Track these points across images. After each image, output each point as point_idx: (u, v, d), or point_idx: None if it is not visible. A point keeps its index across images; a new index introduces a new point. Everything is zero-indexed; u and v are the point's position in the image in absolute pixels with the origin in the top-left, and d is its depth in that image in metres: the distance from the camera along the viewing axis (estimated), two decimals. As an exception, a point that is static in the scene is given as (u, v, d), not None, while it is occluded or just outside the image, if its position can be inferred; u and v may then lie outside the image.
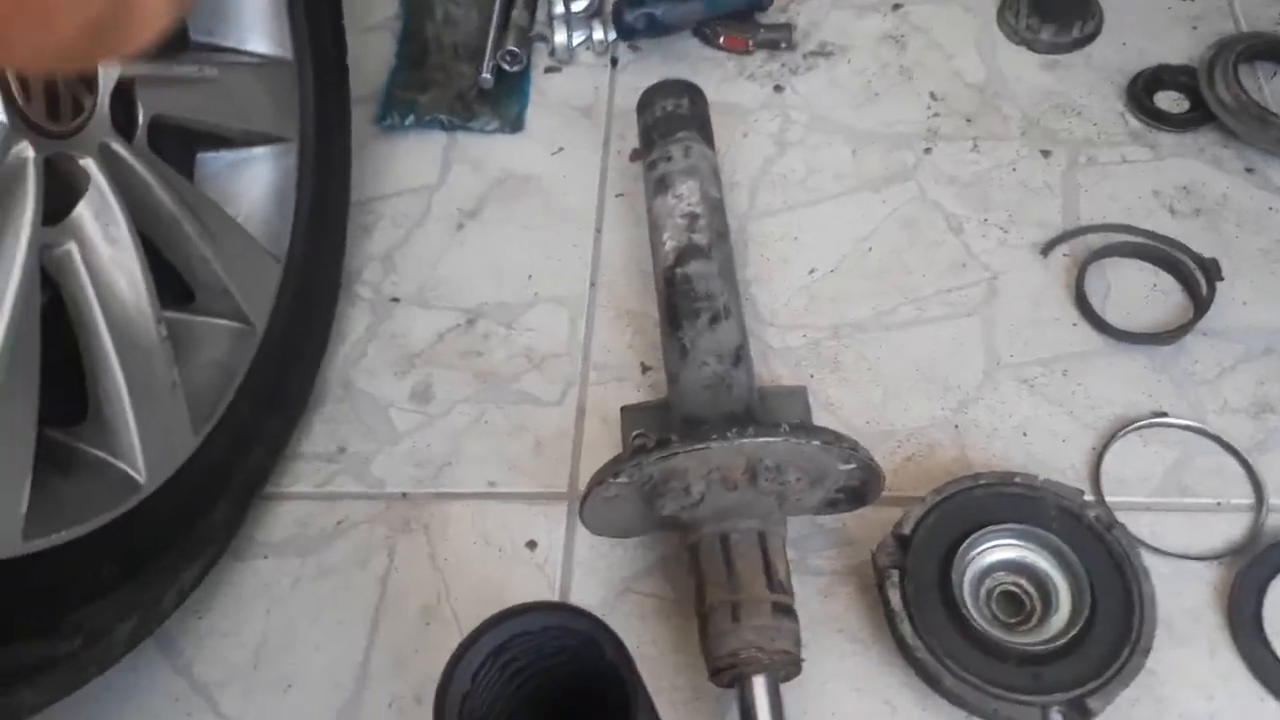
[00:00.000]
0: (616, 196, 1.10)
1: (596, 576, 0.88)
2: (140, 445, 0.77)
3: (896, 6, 1.20)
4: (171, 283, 0.86)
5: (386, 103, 1.18)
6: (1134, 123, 1.06)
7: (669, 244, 0.94)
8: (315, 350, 1.00)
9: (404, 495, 0.93)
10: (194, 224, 0.85)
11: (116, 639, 0.75)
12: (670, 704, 0.80)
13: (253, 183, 0.96)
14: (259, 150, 0.96)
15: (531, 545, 0.90)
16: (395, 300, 1.05)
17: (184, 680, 0.84)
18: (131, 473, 0.76)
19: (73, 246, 0.73)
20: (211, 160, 0.95)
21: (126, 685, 0.83)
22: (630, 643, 0.83)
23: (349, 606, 0.88)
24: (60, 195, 0.72)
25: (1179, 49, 1.10)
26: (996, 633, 0.74)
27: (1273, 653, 0.76)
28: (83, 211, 0.73)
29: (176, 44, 0.90)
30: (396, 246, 1.08)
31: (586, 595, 0.86)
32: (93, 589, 0.73)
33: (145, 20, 0.32)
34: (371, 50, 1.23)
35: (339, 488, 0.94)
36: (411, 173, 1.14)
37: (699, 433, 0.75)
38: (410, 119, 1.16)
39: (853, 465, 0.78)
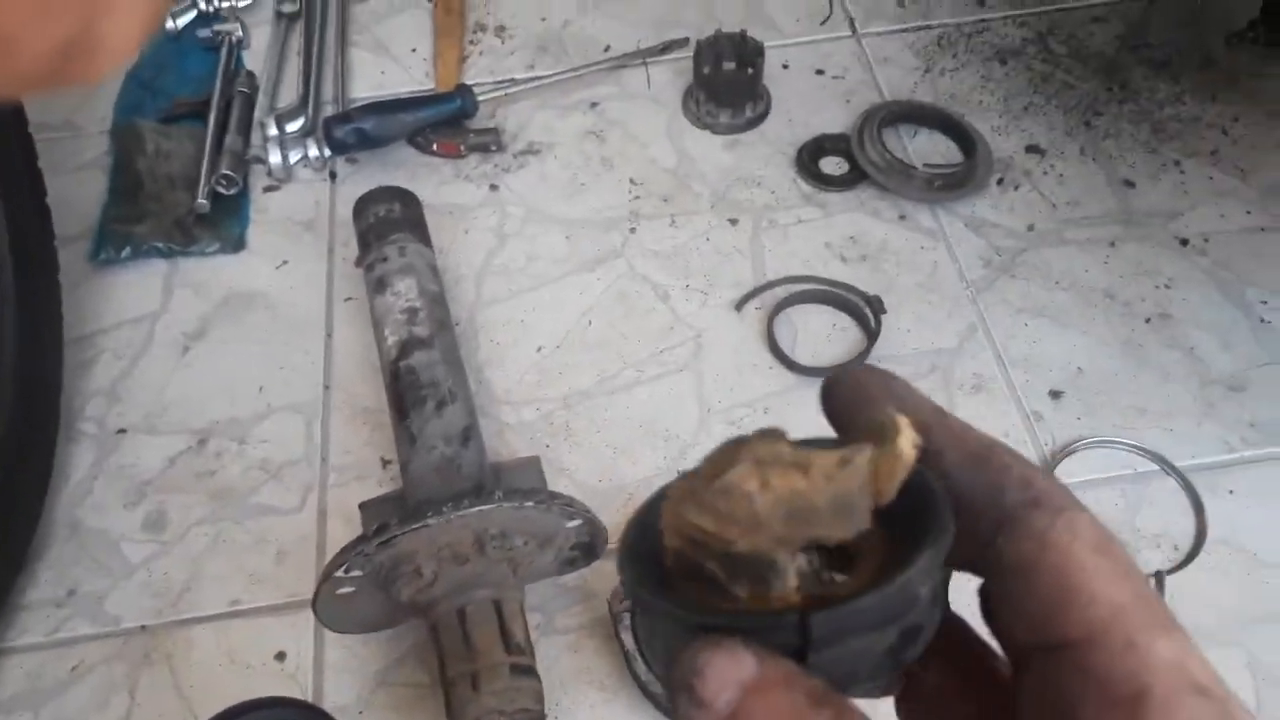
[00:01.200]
0: (345, 301, 1.13)
1: (350, 676, 0.88)
2: None
3: (594, 105, 1.30)
4: None
5: (100, 237, 1.17)
6: (805, 187, 1.20)
7: (391, 339, 0.97)
8: (34, 494, 0.96)
9: (143, 628, 0.90)
10: (-124, 378, 0.82)
11: None
12: (431, 787, 0.81)
13: (-53, 329, 0.93)
14: (-49, 295, 0.93)
15: (281, 656, 0.89)
16: (122, 431, 1.03)
17: None
18: None
19: None
20: (-102, 311, 0.92)
21: None
22: (387, 735, 0.85)
23: (90, 755, 0.84)
24: None
25: (836, 120, 1.26)
26: (719, 655, 0.80)
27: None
28: None
29: None
30: (120, 378, 1.07)
31: (340, 696, 0.86)
32: None
33: (112, 47, 0.30)
34: (82, 189, 1.22)
35: (71, 631, 0.90)
36: (132, 303, 1.13)
37: (418, 513, 0.78)
38: (127, 251, 1.15)
39: (578, 521, 0.83)
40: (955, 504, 0.27)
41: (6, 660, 0.89)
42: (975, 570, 0.28)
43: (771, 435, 0.28)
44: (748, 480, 0.26)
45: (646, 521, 0.29)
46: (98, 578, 0.93)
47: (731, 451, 0.27)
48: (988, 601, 0.28)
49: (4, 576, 0.91)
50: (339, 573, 0.77)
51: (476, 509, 0.77)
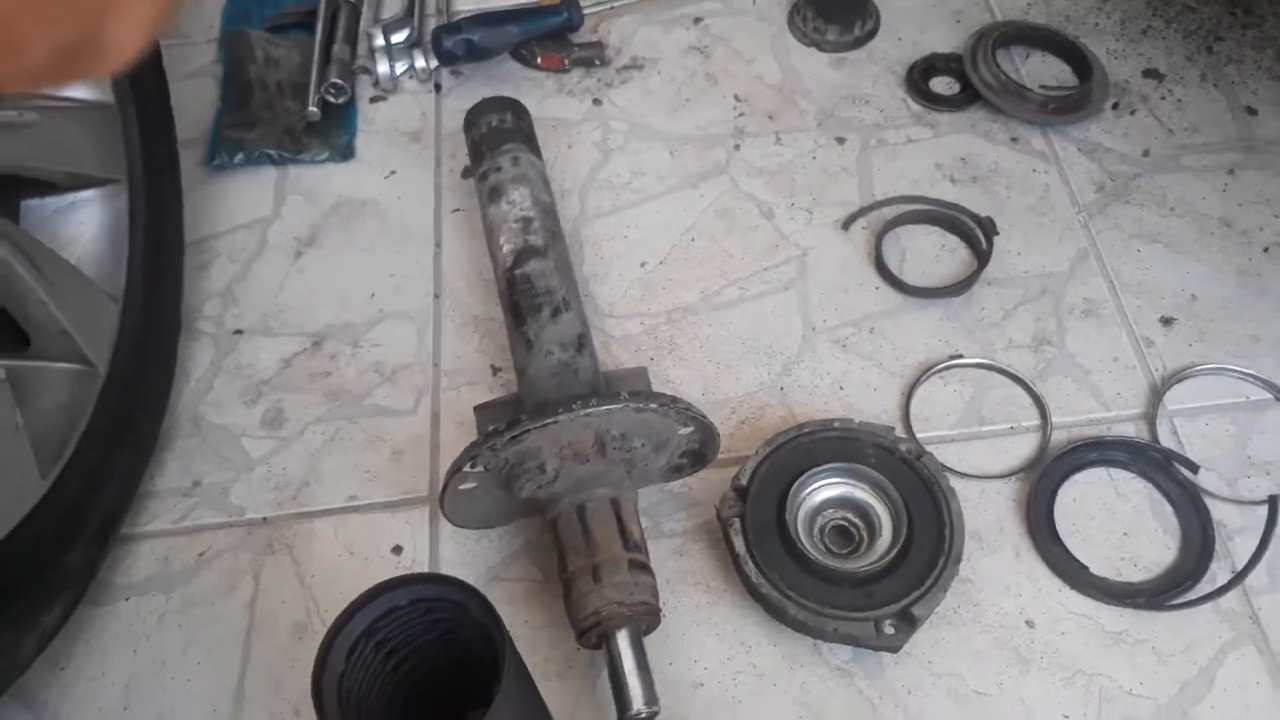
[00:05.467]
0: (453, 212, 1.14)
1: (464, 569, 0.91)
2: (-15, 492, 0.76)
3: (698, 20, 1.29)
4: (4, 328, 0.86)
5: (214, 143, 1.19)
6: (914, 106, 1.18)
7: (506, 247, 0.99)
8: (160, 387, 1.00)
9: (265, 520, 0.94)
10: (27, 268, 0.85)
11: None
12: (545, 677, 0.84)
13: (83, 225, 0.96)
14: (87, 193, 0.96)
15: (397, 550, 0.92)
16: (239, 332, 1.06)
17: (52, 728, 0.83)
18: (-23, 520, 0.76)
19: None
20: (38, 206, 0.95)
21: (-12, 745, 0.82)
22: (502, 625, 0.88)
23: (219, 634, 0.89)
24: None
25: (947, 39, 1.23)
26: (830, 561, 0.81)
27: (1065, 549, 0.87)
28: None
29: (-12, 92, 0.90)
30: (236, 280, 1.10)
31: (456, 587, 0.90)
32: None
33: (118, 46, 0.32)
34: (194, 95, 1.24)
35: (198, 520, 0.95)
36: (245, 208, 1.15)
37: (547, 410, 0.80)
38: (239, 157, 1.18)
39: (691, 428, 0.84)
40: None
41: (139, 545, 0.94)
42: None
43: None
44: None
45: None
46: (221, 470, 0.97)
47: None
48: None
49: (135, 466, 0.96)
50: (467, 466, 0.79)
51: (604, 408, 0.79)
